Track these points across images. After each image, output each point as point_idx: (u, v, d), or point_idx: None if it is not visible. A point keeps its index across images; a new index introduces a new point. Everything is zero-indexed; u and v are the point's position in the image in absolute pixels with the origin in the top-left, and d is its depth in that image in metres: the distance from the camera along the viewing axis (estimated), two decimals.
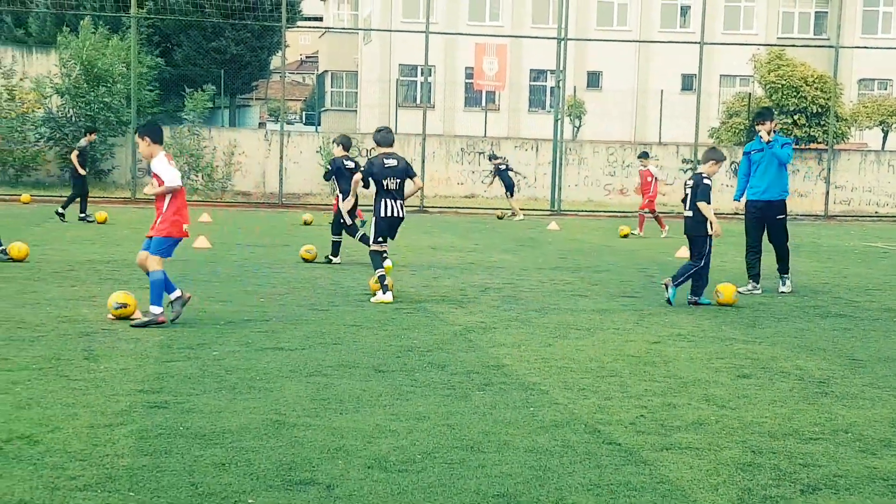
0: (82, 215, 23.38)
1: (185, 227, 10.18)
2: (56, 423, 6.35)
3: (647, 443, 6.38)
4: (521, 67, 48.14)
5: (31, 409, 6.64)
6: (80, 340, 9.10)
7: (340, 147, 16.68)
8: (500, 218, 29.93)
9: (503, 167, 29.47)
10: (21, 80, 34.75)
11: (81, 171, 23.50)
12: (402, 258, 17.31)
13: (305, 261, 16.46)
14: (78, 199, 23.71)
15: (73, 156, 23.63)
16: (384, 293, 12.10)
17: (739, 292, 13.26)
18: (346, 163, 16.44)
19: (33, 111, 34.52)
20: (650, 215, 24.37)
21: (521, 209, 30.42)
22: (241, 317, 10.74)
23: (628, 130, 48.01)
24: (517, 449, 6.14)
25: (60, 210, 23.26)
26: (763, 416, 7.09)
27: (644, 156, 25.00)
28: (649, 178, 24.25)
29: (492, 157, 30.78)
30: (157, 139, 10.25)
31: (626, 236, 23.80)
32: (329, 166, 16.98)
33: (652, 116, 45.61)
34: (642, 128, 48.25)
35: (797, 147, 36.17)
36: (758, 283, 13.97)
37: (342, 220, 16.01)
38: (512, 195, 29.73)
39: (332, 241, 16.49)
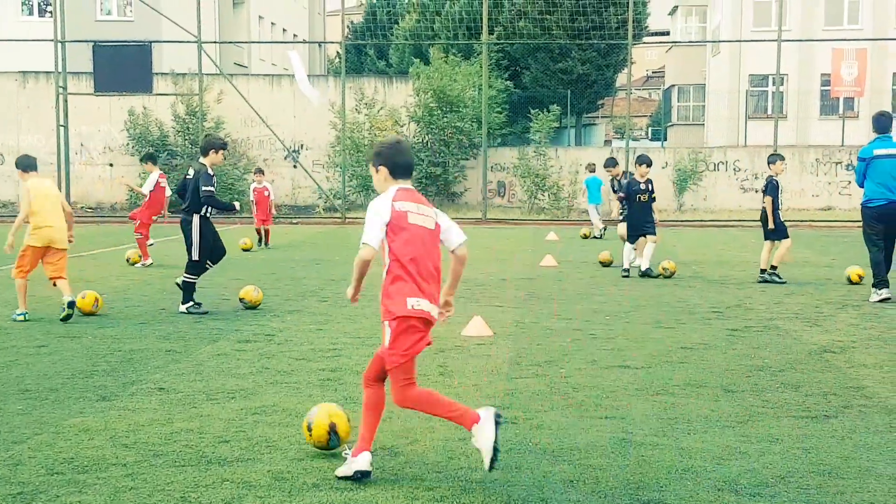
0: None
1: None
2: (415, 435, 6.69)
3: None
4: (883, 71, 45.32)
5: (392, 422, 7.03)
6: (436, 357, 9.53)
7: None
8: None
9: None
10: (380, 109, 36.90)
11: None
12: (751, 274, 16.81)
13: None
14: None
15: None
16: None
17: None
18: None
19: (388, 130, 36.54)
20: None
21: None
22: (588, 334, 10.84)
23: None
24: (880, 476, 5.80)
25: None
26: None
27: None
28: None
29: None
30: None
31: None
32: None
33: None
34: None
35: None
36: None
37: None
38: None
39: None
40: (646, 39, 54.79)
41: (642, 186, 16.68)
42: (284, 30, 60.60)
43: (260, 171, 23.04)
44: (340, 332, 10.86)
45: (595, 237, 25.96)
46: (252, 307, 12.67)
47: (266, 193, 22.12)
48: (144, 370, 8.82)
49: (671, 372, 8.79)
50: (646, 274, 16.36)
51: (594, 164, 27.77)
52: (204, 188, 12.15)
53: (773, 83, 39.52)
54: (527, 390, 8.05)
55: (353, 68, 52.75)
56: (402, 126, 36.66)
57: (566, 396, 7.84)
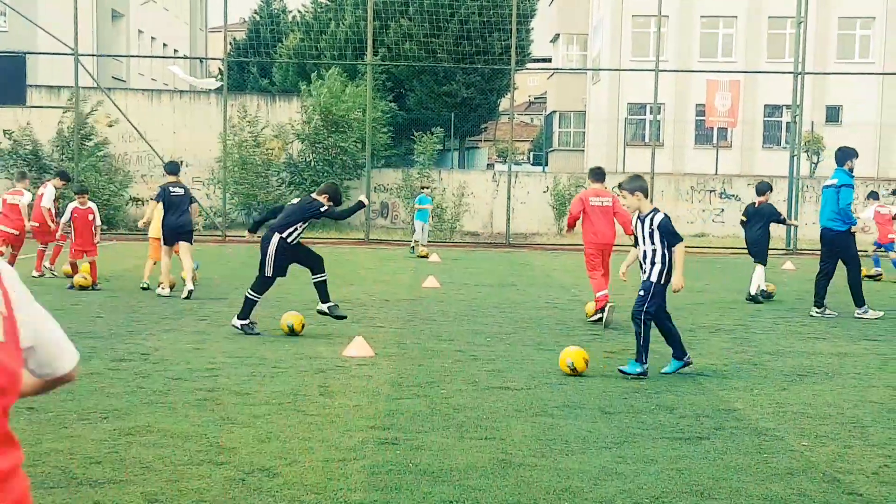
0: None
1: None
2: (294, 456, 6.61)
3: (891, 494, 6.05)
4: (755, 103, 46.89)
5: (270, 443, 6.94)
6: (316, 377, 9.45)
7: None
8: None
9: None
10: (264, 127, 36.57)
11: None
12: (628, 299, 17.11)
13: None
14: None
15: None
16: None
17: None
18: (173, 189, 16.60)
19: (277, 158, 36.24)
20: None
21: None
22: (469, 356, 10.88)
23: (871, 166, 45.86)
24: (750, 496, 5.95)
25: None
26: None
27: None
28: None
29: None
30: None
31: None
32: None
33: None
34: (886, 163, 46.02)
35: None
36: None
37: None
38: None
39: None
40: (528, 65, 55.55)
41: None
42: (165, 44, 59.64)
43: (83, 192, 17.84)
44: (218, 352, 10.69)
45: (414, 253, 27.42)
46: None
47: (91, 217, 17.44)
48: None
49: (550, 393, 8.88)
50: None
51: (427, 186, 30.52)
52: (321, 210, 12.60)
53: (651, 112, 40.51)
54: (408, 411, 8.04)
55: (236, 85, 52.18)
56: (287, 144, 36.40)
57: (447, 417, 7.84)
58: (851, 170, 15.12)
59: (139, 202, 36.31)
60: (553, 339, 12.22)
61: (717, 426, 7.75)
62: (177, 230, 16.53)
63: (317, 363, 10.20)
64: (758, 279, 17.21)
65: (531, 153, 73.29)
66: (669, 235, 9.79)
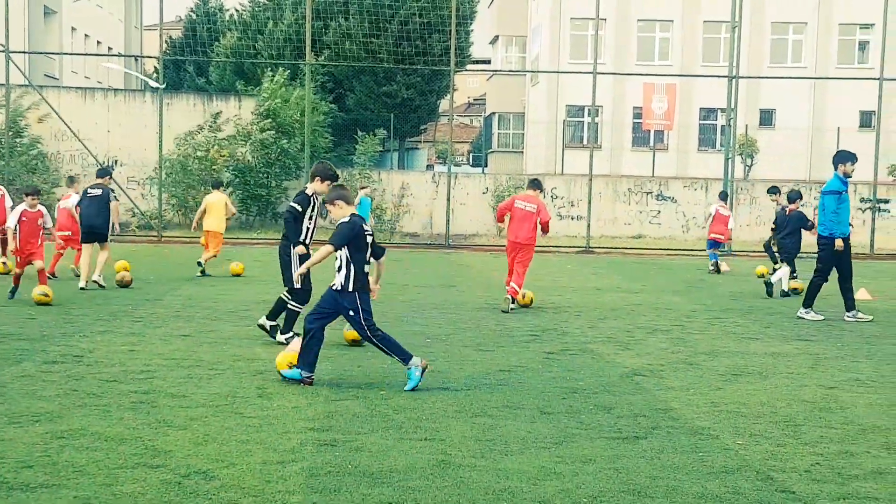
0: None
1: None
2: (231, 459, 6.55)
3: (822, 491, 6.14)
4: (690, 106, 47.44)
5: (207, 446, 6.86)
6: (254, 379, 9.37)
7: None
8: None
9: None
10: (221, 138, 35.94)
11: None
12: (567, 299, 17.24)
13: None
14: None
15: None
16: None
17: None
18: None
19: (220, 166, 35.73)
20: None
21: (686, 250, 29.60)
22: None
23: (803, 169, 46.64)
24: (686, 494, 6.01)
25: None
26: None
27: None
28: None
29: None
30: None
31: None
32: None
33: (828, 154, 44.03)
34: (818, 166, 46.79)
35: None
36: None
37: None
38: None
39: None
40: (468, 67, 55.68)
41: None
42: (99, 42, 58.76)
43: (35, 193, 16.32)
44: (154, 354, 10.55)
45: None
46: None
47: (40, 221, 16.11)
48: None
49: (490, 394, 8.90)
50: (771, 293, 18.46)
51: (365, 186, 31.22)
52: (291, 203, 11.40)
53: (589, 114, 40.80)
54: (347, 412, 8.00)
55: (172, 84, 51.62)
56: (232, 146, 35.96)
57: (386, 418, 7.82)
58: (846, 174, 14.86)
59: None
60: (493, 341, 12.24)
61: (654, 426, 7.82)
62: (91, 230, 17.12)
63: (255, 365, 10.12)
64: (782, 275, 18.68)
65: (471, 154, 73.46)
66: (335, 234, 9.18)
